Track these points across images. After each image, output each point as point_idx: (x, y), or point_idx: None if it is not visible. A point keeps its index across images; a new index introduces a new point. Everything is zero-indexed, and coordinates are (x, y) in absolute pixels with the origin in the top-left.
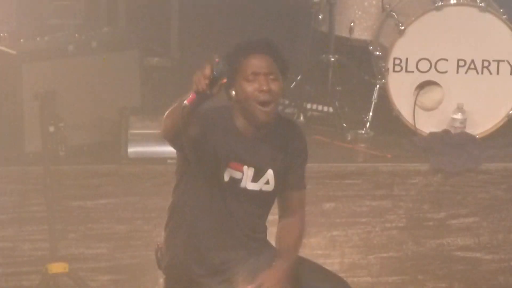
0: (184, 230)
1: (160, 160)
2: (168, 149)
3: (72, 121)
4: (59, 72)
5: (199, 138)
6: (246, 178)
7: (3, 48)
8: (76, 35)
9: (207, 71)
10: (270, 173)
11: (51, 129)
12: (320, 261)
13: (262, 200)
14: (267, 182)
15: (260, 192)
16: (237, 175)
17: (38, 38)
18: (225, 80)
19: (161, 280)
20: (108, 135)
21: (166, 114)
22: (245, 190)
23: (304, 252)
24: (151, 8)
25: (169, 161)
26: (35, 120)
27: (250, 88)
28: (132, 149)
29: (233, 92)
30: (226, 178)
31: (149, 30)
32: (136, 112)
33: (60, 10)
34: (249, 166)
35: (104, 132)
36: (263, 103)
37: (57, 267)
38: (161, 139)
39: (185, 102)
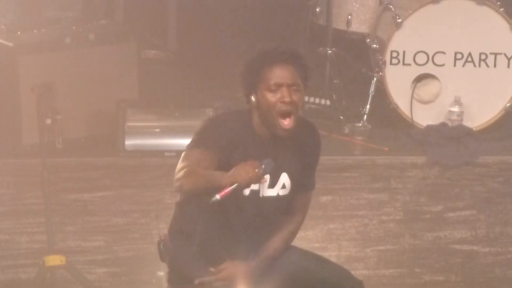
0: (194, 236)
1: (157, 152)
2: (165, 142)
3: (69, 113)
4: (56, 65)
5: (222, 157)
6: (263, 186)
7: (0, 40)
8: (74, 27)
9: (260, 171)
10: (285, 177)
11: (48, 121)
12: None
13: (279, 204)
14: (283, 186)
15: (278, 197)
16: (256, 186)
17: (35, 31)
18: (265, 180)
19: (162, 274)
20: (105, 128)
21: (184, 176)
22: (263, 198)
23: (301, 245)
24: (149, 0)
25: (166, 153)
26: (32, 113)
27: (272, 98)
28: (129, 142)
29: (253, 98)
30: (247, 192)
31: (147, 22)
32: (133, 105)
33: (57, 3)
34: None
35: (101, 124)
36: (284, 114)
37: (54, 260)
38: (158, 132)
39: (216, 196)
